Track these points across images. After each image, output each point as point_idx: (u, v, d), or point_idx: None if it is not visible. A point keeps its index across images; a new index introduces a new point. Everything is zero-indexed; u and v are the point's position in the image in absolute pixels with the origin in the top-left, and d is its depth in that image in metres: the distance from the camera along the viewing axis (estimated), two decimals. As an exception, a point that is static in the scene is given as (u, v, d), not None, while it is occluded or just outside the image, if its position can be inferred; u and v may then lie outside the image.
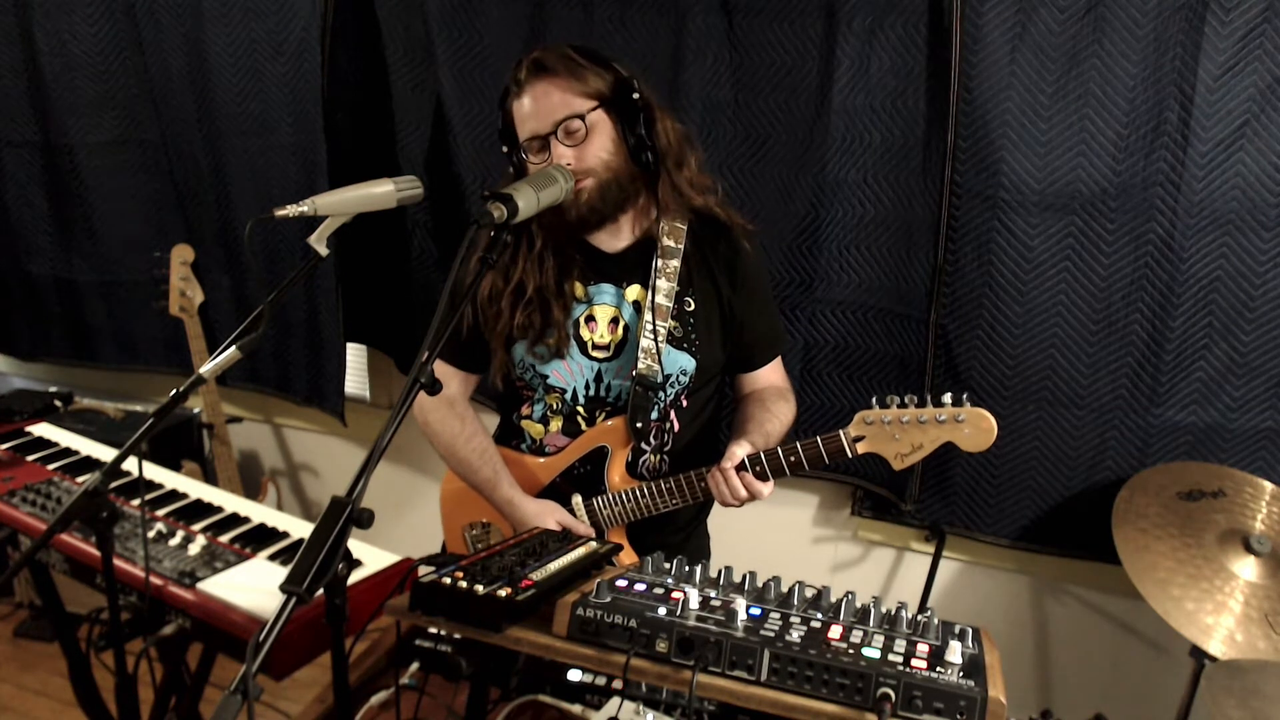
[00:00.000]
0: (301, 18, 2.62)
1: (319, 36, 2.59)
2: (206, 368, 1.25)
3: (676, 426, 1.78)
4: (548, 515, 1.75)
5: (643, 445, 1.77)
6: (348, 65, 2.63)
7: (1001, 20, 2.05)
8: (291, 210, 1.24)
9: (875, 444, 1.57)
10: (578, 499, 1.78)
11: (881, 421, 1.55)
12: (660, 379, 1.70)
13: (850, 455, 1.58)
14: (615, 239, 1.74)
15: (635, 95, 1.63)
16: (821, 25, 2.21)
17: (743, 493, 1.61)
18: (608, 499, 1.76)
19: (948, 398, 1.51)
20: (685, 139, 1.72)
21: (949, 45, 2.09)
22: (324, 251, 1.30)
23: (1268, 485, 2.07)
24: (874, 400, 1.56)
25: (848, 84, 2.22)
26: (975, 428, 1.50)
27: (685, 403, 1.77)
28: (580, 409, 1.77)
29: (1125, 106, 2.05)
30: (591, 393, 1.76)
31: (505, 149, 1.69)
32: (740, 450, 1.61)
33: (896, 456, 1.55)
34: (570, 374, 1.76)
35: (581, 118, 1.59)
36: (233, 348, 1.25)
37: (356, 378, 3.21)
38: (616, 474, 1.76)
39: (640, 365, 1.69)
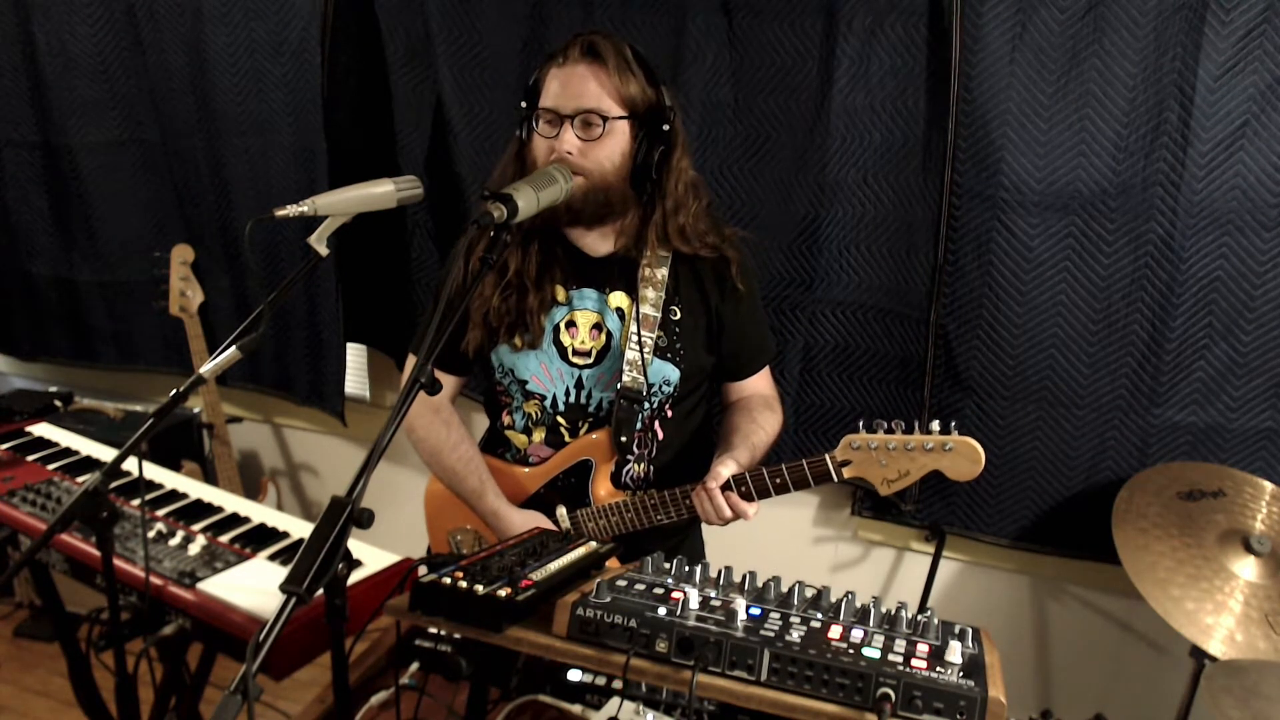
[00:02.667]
0: (301, 18, 2.62)
1: (319, 36, 2.59)
2: (206, 368, 1.25)
3: (661, 435, 1.76)
4: (532, 526, 1.73)
5: (627, 456, 1.75)
6: (348, 65, 2.63)
7: (1001, 20, 2.05)
8: (291, 210, 1.24)
9: (861, 469, 1.55)
10: (562, 511, 1.76)
11: (868, 447, 1.53)
12: (645, 390, 1.69)
13: (836, 480, 1.57)
14: (601, 242, 1.72)
15: (666, 127, 1.61)
16: (821, 25, 2.21)
17: (727, 512, 1.60)
18: (592, 512, 1.74)
19: (936, 425, 1.50)
20: (693, 186, 1.69)
21: (949, 45, 2.09)
22: (324, 251, 1.30)
23: (1268, 485, 2.07)
24: (860, 424, 1.54)
25: (848, 84, 2.22)
26: (963, 457, 1.48)
27: (670, 413, 1.75)
28: (561, 418, 1.74)
29: (1125, 106, 2.05)
30: (572, 400, 1.73)
31: (524, 104, 1.65)
32: (725, 470, 1.60)
33: (883, 482, 1.54)
34: (550, 379, 1.73)
35: (605, 118, 1.57)
36: (233, 348, 1.25)
37: (356, 378, 3.21)
38: (602, 488, 1.74)
39: (625, 378, 1.67)
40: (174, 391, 1.24)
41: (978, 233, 2.18)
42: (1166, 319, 2.14)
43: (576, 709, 1.30)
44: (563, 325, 1.72)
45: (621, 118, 1.58)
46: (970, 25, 2.06)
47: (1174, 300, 2.12)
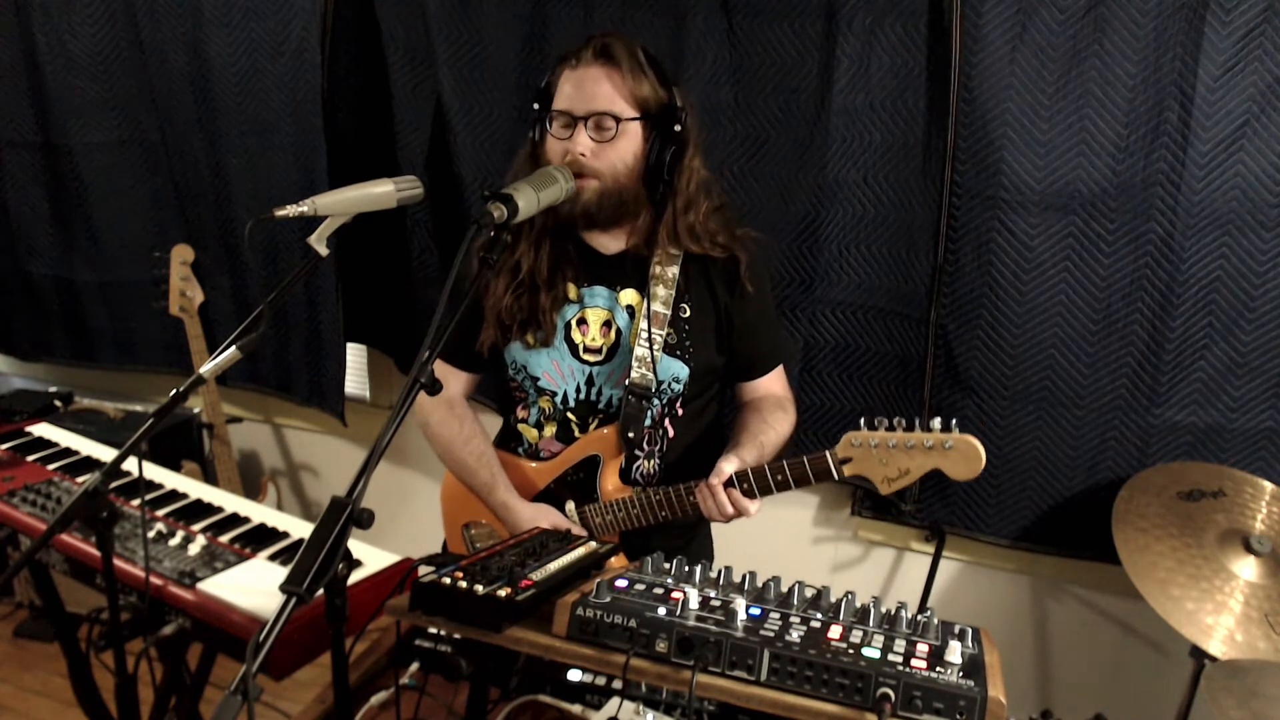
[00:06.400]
0: (301, 18, 2.62)
1: (319, 36, 2.58)
2: (206, 368, 1.25)
3: (671, 433, 1.77)
4: (542, 520, 1.74)
5: (636, 451, 1.76)
6: (348, 65, 2.63)
7: (1001, 20, 2.05)
8: (291, 210, 1.24)
9: (862, 467, 1.55)
10: (570, 506, 1.78)
11: (869, 444, 1.53)
12: (654, 387, 1.70)
13: (836, 477, 1.57)
14: (613, 241, 1.74)
15: (678, 128, 1.61)
16: (821, 25, 2.21)
17: (729, 509, 1.61)
18: (600, 507, 1.75)
19: (936, 423, 1.49)
20: (705, 186, 1.70)
21: (949, 45, 2.09)
22: (324, 251, 1.30)
23: (1268, 485, 2.07)
24: (862, 422, 1.54)
25: (848, 84, 2.22)
26: (963, 455, 1.47)
27: (681, 411, 1.76)
28: (571, 414, 1.76)
29: (1125, 106, 2.05)
30: (582, 396, 1.75)
31: (536, 105, 1.66)
32: (729, 467, 1.60)
33: (884, 481, 1.53)
34: (561, 376, 1.75)
35: (618, 120, 1.58)
36: (233, 348, 1.25)
37: (356, 378, 3.21)
38: (610, 482, 1.75)
39: (634, 374, 1.68)
40: (174, 391, 1.24)
41: (978, 233, 2.18)
42: (1166, 319, 2.14)
43: (576, 709, 1.30)
44: (574, 323, 1.74)
45: (634, 119, 1.59)
46: (970, 25, 2.06)
47: (1174, 300, 2.12)
